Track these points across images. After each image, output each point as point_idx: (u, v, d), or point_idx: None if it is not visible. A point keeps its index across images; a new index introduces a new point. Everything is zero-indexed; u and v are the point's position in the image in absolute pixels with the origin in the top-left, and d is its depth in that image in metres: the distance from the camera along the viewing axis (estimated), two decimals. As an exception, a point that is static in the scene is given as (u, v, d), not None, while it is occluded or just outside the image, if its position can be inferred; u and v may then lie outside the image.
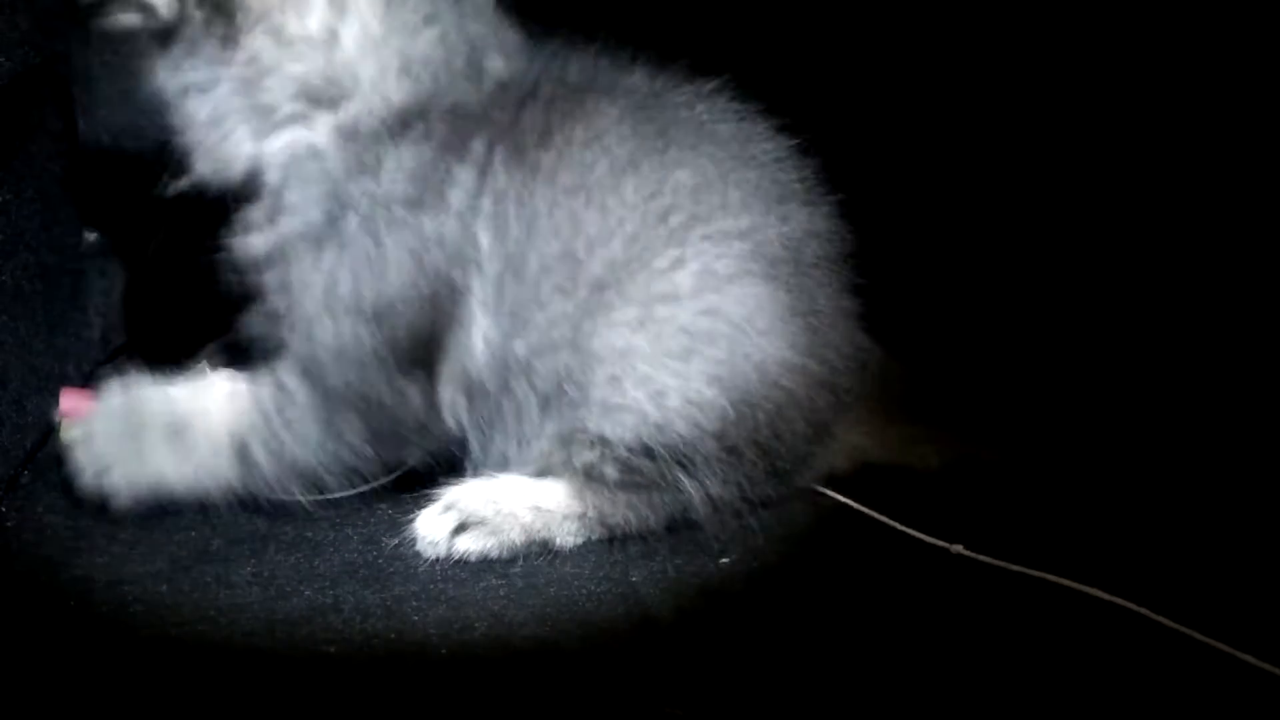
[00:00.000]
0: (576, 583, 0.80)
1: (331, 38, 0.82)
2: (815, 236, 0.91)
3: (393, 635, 0.72)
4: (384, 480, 0.88)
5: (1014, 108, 1.29)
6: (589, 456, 0.84)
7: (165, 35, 0.83)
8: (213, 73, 0.83)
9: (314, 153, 0.83)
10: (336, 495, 0.87)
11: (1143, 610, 0.75)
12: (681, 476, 0.83)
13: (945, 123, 1.34)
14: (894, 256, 1.38)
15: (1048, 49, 1.24)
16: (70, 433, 0.87)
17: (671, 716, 0.64)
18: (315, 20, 0.82)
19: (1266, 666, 0.69)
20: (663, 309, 0.82)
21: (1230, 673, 0.69)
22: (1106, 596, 0.77)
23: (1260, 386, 1.05)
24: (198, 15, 0.81)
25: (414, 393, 0.85)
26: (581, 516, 0.85)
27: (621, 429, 0.82)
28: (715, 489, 0.84)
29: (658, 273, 0.82)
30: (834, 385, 0.88)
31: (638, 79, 0.92)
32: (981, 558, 0.83)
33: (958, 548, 0.84)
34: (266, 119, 0.83)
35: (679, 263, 0.82)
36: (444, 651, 0.70)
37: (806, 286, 0.88)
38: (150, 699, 0.64)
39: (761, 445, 0.85)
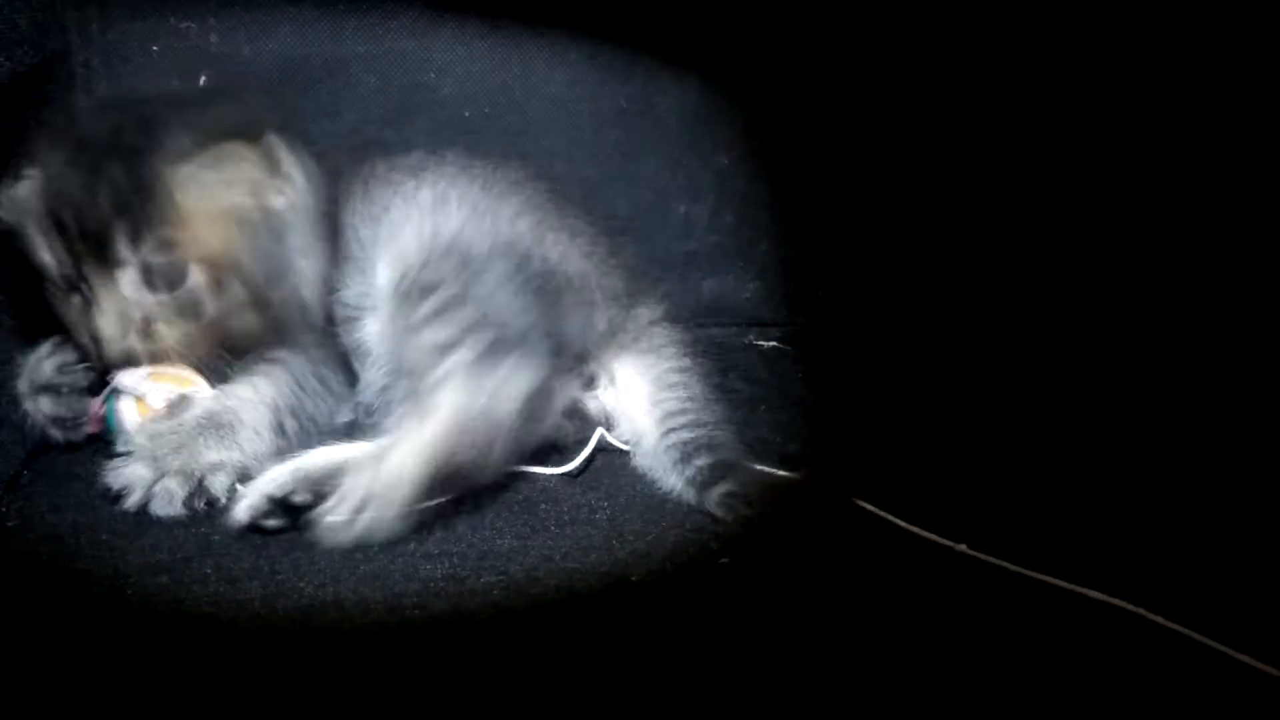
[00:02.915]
0: (576, 579, 0.80)
1: None
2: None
3: (393, 633, 0.72)
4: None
5: (1013, 108, 1.30)
6: None
7: None
8: None
9: None
10: None
11: (1140, 610, 0.75)
12: None
13: (943, 123, 1.34)
14: (893, 256, 1.38)
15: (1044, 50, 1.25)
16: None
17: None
18: None
19: (1265, 668, 0.69)
20: None
21: (1230, 674, 0.70)
22: (1105, 598, 0.77)
23: (1260, 387, 1.06)
24: None
25: None
26: None
27: None
28: None
29: None
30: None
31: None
32: (986, 558, 0.83)
33: (962, 547, 0.84)
34: None
35: None
36: (444, 649, 0.70)
37: None
38: (151, 694, 0.64)
39: None
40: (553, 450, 1.00)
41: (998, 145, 1.30)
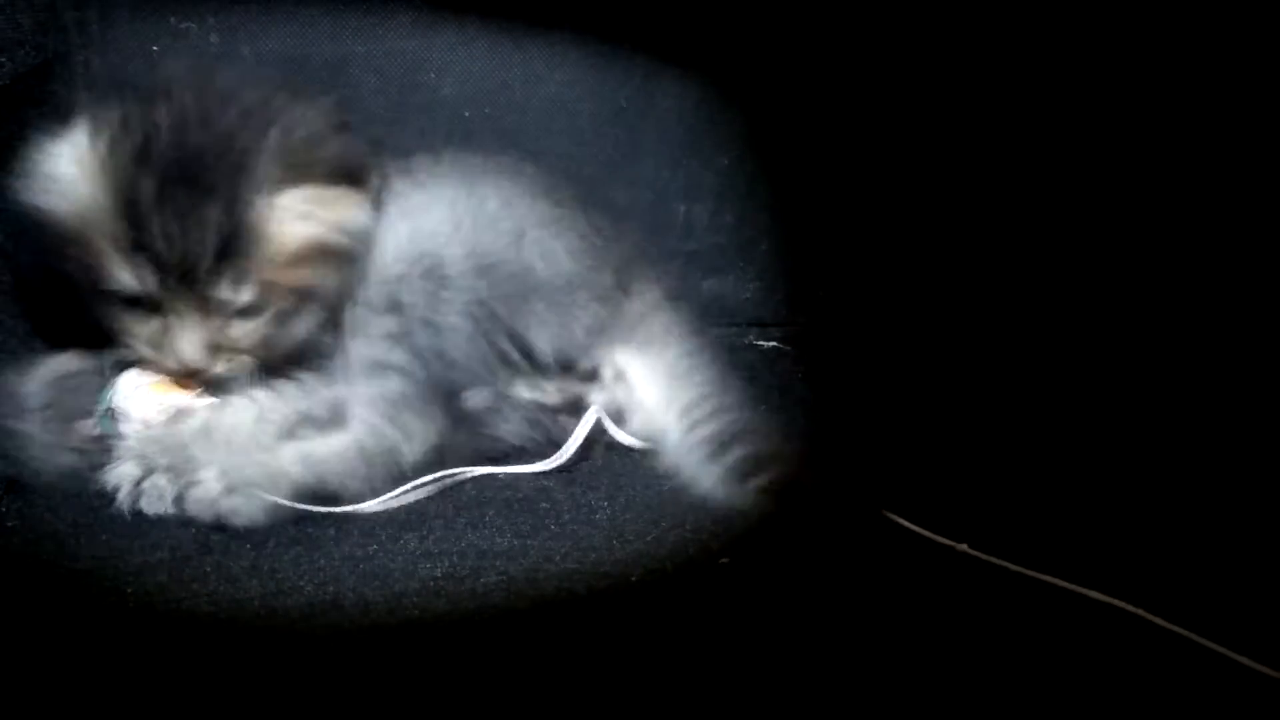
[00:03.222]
0: (576, 579, 0.80)
1: None
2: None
3: (393, 632, 0.72)
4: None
5: (1013, 108, 1.30)
6: None
7: None
8: None
9: None
10: None
11: (1140, 611, 0.75)
12: None
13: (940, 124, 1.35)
14: (894, 256, 1.38)
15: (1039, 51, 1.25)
16: None
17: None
18: None
19: (1264, 669, 0.69)
20: None
21: (1229, 675, 0.70)
22: (1105, 599, 0.77)
23: (1260, 387, 1.06)
24: None
25: None
26: None
27: None
28: None
29: None
30: None
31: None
32: (987, 558, 0.83)
33: (963, 547, 0.84)
34: None
35: None
36: (444, 648, 0.70)
37: None
38: (151, 693, 0.64)
39: None
40: (553, 447, 1.00)
41: (998, 146, 1.30)
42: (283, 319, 0.94)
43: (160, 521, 0.85)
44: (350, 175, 0.95)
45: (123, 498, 0.86)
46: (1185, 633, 0.73)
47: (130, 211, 0.87)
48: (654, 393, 1.03)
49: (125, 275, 0.89)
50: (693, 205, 1.41)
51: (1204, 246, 1.15)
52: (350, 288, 0.96)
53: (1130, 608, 0.76)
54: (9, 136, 0.94)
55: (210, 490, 0.86)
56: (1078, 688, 0.69)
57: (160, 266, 0.88)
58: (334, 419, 0.95)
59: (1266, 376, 1.06)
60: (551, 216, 1.04)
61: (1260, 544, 0.87)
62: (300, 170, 0.91)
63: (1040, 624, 0.76)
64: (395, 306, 0.96)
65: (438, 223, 1.00)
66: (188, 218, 0.87)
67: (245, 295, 0.90)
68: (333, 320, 0.96)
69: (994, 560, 0.82)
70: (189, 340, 0.91)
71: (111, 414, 0.94)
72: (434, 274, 0.97)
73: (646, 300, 1.09)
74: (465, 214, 1.01)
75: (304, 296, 0.94)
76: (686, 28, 1.33)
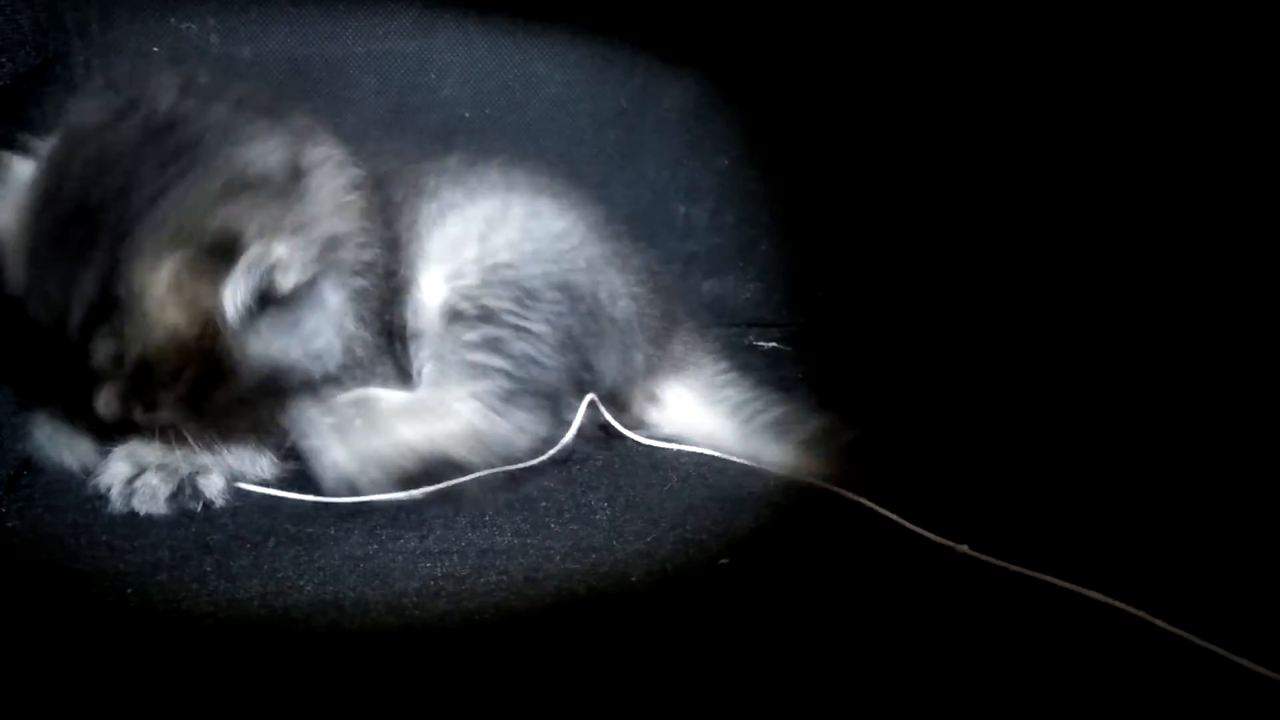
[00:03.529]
0: (577, 577, 0.80)
1: None
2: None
3: (393, 631, 0.72)
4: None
5: (1013, 108, 1.30)
6: None
7: None
8: None
9: None
10: None
11: (1139, 613, 0.75)
12: None
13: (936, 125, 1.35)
14: (894, 257, 1.38)
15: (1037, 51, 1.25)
16: None
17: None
18: None
19: (1264, 671, 0.69)
20: None
21: (1228, 677, 0.70)
22: (1105, 599, 0.77)
23: (1260, 387, 1.06)
24: None
25: None
26: None
27: None
28: None
29: None
30: None
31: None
32: (987, 558, 0.83)
33: (963, 548, 0.84)
34: None
35: None
36: (444, 647, 0.70)
37: None
38: (151, 693, 0.64)
39: None
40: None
41: (998, 146, 1.30)
42: (205, 386, 0.84)
43: (160, 521, 0.85)
44: (228, 250, 0.81)
45: (115, 496, 0.86)
46: (1185, 634, 0.73)
47: (28, 258, 0.81)
48: (697, 408, 1.09)
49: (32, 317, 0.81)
50: (693, 206, 1.41)
51: (1205, 247, 1.15)
52: (278, 363, 0.86)
53: (1130, 609, 0.76)
54: (9, 136, 0.94)
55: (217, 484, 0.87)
56: (1078, 688, 0.69)
57: (35, 322, 0.80)
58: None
59: (1266, 376, 1.06)
60: (612, 251, 1.07)
61: (1260, 545, 0.87)
62: (182, 240, 0.80)
63: (1040, 625, 0.76)
64: (487, 315, 0.97)
65: (509, 238, 1.01)
66: (62, 276, 0.79)
67: (121, 366, 0.81)
68: (274, 394, 0.88)
69: (994, 561, 0.82)
70: (100, 395, 0.83)
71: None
72: (515, 285, 0.98)
73: (687, 340, 1.15)
74: (535, 232, 1.02)
75: (210, 374, 0.84)
76: (686, 28, 1.33)
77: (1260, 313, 1.11)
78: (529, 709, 0.66)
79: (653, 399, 1.10)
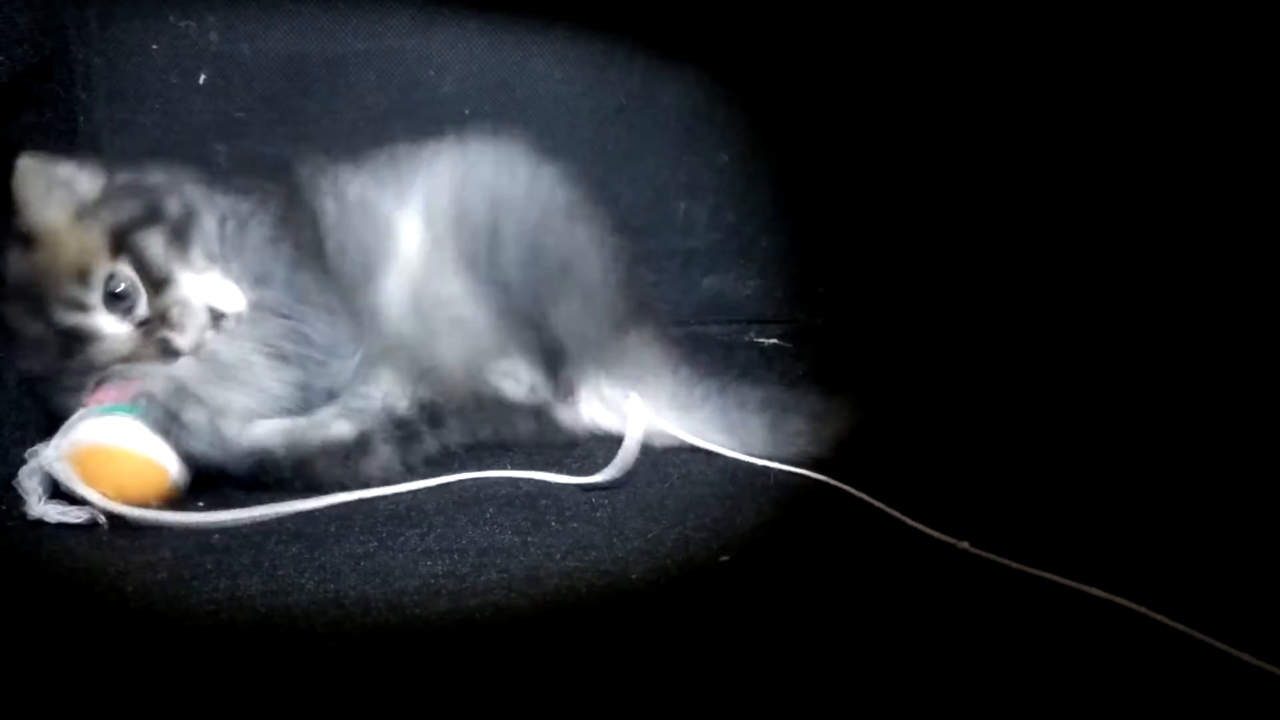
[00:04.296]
0: (577, 575, 0.80)
1: None
2: None
3: (394, 628, 0.72)
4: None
5: (1013, 104, 1.30)
6: None
7: None
8: None
9: None
10: None
11: (1141, 609, 0.75)
12: None
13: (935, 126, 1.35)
14: (894, 253, 1.38)
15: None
16: None
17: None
18: None
19: (1266, 666, 0.69)
20: None
21: (1230, 672, 0.69)
22: (1107, 596, 0.77)
23: (1260, 386, 1.06)
24: None
25: None
26: None
27: None
28: None
29: None
30: None
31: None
32: (989, 555, 0.83)
33: (964, 544, 0.84)
34: None
35: None
36: (445, 646, 0.70)
37: None
38: (152, 692, 0.64)
39: None
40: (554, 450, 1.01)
41: (998, 142, 1.30)
42: None
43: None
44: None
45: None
46: (1187, 630, 0.73)
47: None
48: (662, 404, 1.06)
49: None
50: (693, 202, 1.41)
51: (1205, 247, 1.15)
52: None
53: (1132, 605, 0.75)
54: (9, 136, 0.94)
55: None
56: (1079, 686, 0.69)
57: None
58: None
59: (1266, 376, 1.06)
60: (574, 200, 1.09)
61: (1261, 541, 0.86)
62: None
63: (1042, 622, 0.76)
64: (475, 264, 1.01)
65: (485, 180, 1.05)
66: None
67: None
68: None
69: (995, 558, 0.82)
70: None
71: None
72: (487, 224, 1.02)
73: (644, 337, 1.12)
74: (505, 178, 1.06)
75: None
76: (687, 25, 1.33)
77: (1261, 311, 1.10)
78: (530, 707, 0.65)
79: (601, 395, 1.09)
